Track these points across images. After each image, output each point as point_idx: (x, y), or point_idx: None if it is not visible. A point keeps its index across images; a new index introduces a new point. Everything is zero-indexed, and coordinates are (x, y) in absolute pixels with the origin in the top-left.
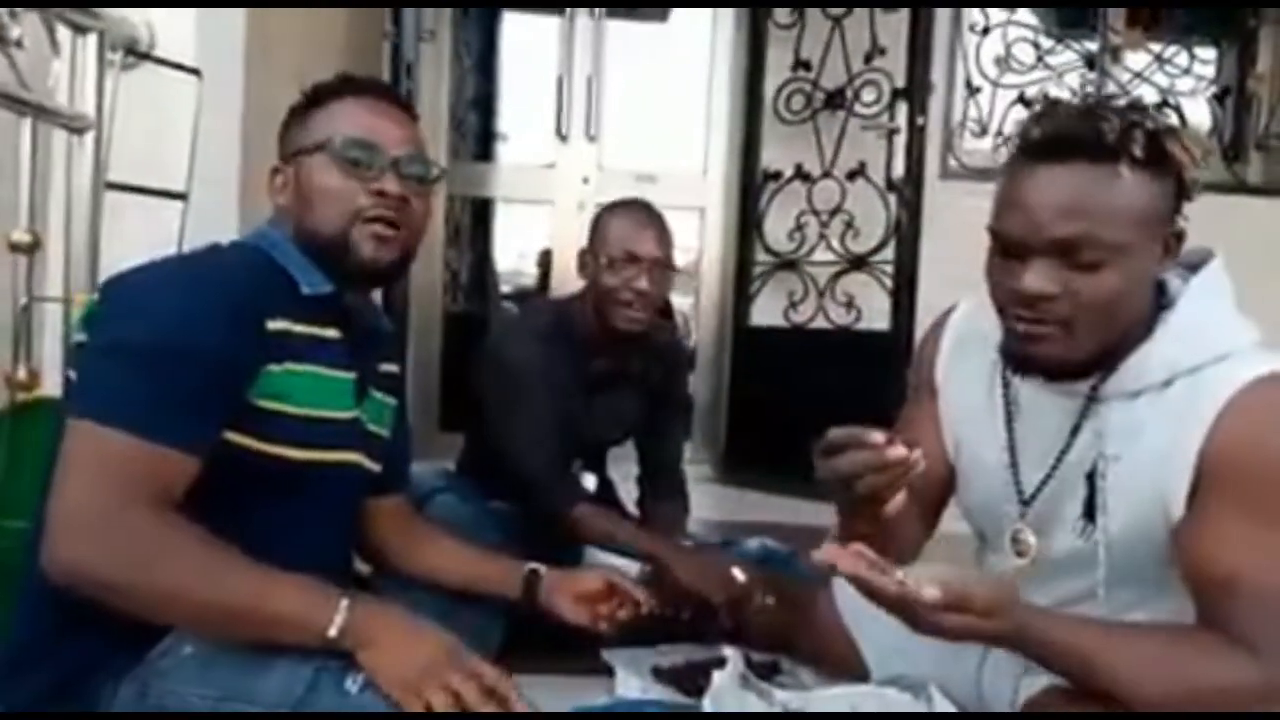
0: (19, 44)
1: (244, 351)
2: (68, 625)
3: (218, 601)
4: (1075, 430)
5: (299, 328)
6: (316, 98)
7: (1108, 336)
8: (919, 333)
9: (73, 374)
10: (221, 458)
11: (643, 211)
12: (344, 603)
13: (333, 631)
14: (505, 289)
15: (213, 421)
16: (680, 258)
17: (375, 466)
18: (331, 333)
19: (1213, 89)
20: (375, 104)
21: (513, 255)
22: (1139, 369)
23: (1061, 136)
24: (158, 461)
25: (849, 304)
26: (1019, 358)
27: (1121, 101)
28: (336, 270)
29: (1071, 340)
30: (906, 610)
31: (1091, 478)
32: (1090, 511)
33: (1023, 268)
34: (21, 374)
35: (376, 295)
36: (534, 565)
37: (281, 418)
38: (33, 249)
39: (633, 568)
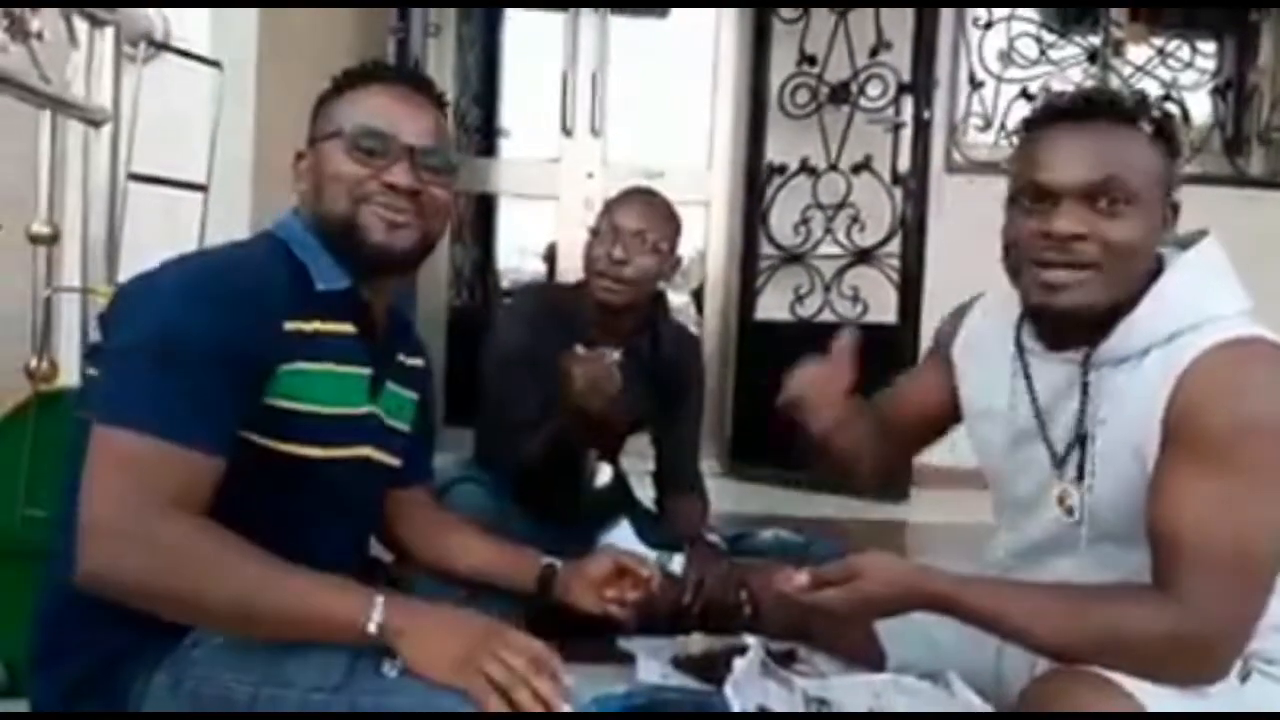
0: (39, 36)
1: (262, 352)
2: (97, 616)
3: (253, 607)
4: (1085, 390)
5: (315, 325)
6: (343, 84)
7: (1127, 286)
8: (925, 325)
9: (92, 371)
10: (235, 455)
11: (640, 193)
12: (379, 599)
13: (371, 628)
14: (508, 284)
15: (234, 422)
16: (685, 251)
17: (393, 460)
18: (348, 328)
19: (1214, 82)
20: (399, 92)
21: (517, 250)
22: (1126, 335)
23: (1085, 100)
24: (184, 464)
25: (855, 297)
26: (1047, 308)
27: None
28: (351, 256)
29: (1100, 284)
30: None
31: (1083, 441)
32: (1081, 473)
33: (1054, 212)
34: (43, 365)
35: None
36: (549, 560)
37: (295, 416)
38: (52, 241)
39: (649, 555)
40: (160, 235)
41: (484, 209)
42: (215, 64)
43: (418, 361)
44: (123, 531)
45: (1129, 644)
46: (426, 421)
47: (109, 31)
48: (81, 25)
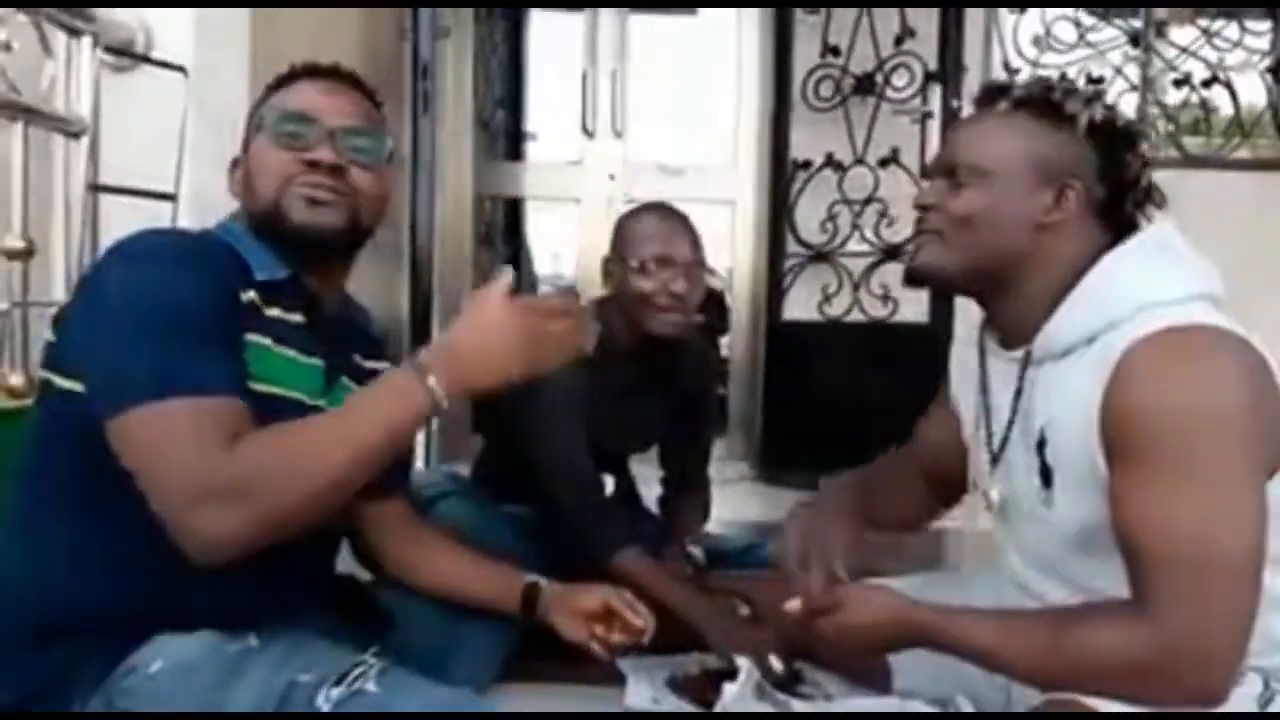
0: (8, 47)
1: (234, 314)
2: (32, 639)
3: (349, 457)
4: (1018, 392)
5: (265, 307)
6: (271, 86)
7: (977, 255)
8: (959, 324)
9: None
10: None
11: (669, 214)
12: (418, 368)
13: (438, 399)
14: (545, 289)
15: (239, 365)
16: (711, 253)
17: None
18: (296, 317)
19: (1265, 63)
20: (323, 84)
21: (546, 255)
22: (1059, 328)
23: (983, 92)
24: (226, 411)
25: (885, 296)
26: (907, 268)
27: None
28: (279, 241)
29: (941, 249)
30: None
31: (1042, 445)
32: (1047, 479)
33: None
34: (17, 380)
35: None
36: (533, 578)
37: (264, 398)
38: (28, 255)
39: None
40: None
41: (512, 213)
42: (181, 70)
43: (380, 365)
44: (207, 489)
45: (1105, 669)
46: None
47: (85, 41)
48: (59, 35)
